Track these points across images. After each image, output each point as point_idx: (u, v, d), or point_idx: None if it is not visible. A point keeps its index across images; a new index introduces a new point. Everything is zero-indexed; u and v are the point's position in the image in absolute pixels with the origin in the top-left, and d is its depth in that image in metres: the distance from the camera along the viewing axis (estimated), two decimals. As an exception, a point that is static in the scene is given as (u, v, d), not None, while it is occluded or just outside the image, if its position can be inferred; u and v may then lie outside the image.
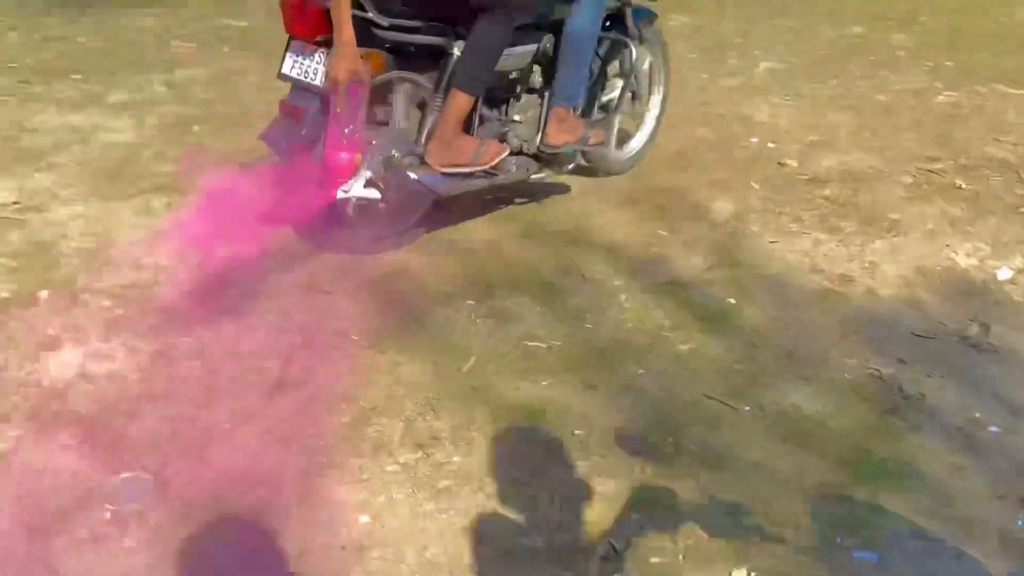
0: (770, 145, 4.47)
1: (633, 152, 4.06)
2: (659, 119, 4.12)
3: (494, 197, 3.48)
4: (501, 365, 2.52)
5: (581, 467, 2.16)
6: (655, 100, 4.07)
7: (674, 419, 2.36)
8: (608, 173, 3.99)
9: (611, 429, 2.30)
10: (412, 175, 2.89)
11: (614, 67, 3.71)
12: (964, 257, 3.46)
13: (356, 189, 2.75)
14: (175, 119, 4.03)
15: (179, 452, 2.07)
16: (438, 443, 2.19)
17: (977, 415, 2.53)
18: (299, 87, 2.79)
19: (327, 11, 2.63)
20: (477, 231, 3.34)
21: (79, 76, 4.44)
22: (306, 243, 3.06)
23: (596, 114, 3.66)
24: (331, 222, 2.89)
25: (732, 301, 3.02)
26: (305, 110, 2.74)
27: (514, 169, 3.22)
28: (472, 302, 2.83)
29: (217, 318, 2.59)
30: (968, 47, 6.78)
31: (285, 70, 2.82)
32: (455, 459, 2.15)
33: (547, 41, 3.22)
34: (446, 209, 3.23)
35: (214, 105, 4.24)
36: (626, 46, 3.55)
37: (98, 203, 3.24)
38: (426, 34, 2.88)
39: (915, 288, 3.22)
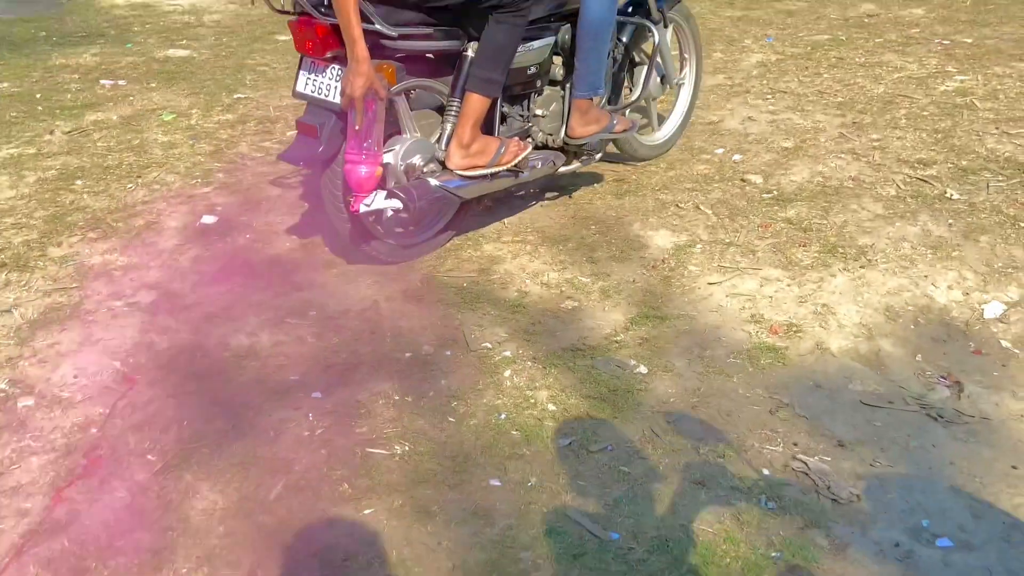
0: (736, 158, 3.92)
1: (665, 136, 3.97)
2: (692, 101, 4.03)
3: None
4: (322, 486, 2.05)
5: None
6: (686, 82, 3.99)
7: (516, 560, 1.87)
8: (641, 159, 3.88)
9: (434, 576, 1.83)
10: (433, 182, 2.83)
11: (640, 52, 3.67)
12: (945, 291, 2.88)
13: (378, 201, 2.70)
14: (60, 174, 3.65)
15: None
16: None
17: (925, 523, 1.98)
18: (314, 104, 2.73)
19: (335, 27, 2.54)
20: (356, 291, 2.88)
21: (-25, 129, 4.11)
22: (336, 255, 3.03)
23: (624, 100, 3.59)
24: (357, 235, 2.87)
25: (643, 371, 2.51)
26: (321, 127, 2.68)
27: (539, 165, 3.19)
28: (319, 394, 2.37)
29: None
30: (994, 19, 6.10)
31: (299, 88, 2.75)
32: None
33: (564, 32, 3.15)
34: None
35: (110, 155, 3.86)
36: (649, 30, 3.49)
37: (-71, 287, 2.88)
38: (437, 40, 2.80)
39: (876, 337, 2.66)
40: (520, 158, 2.99)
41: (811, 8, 6.70)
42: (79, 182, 3.59)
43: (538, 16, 3.03)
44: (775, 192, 3.57)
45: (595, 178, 3.74)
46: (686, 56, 3.99)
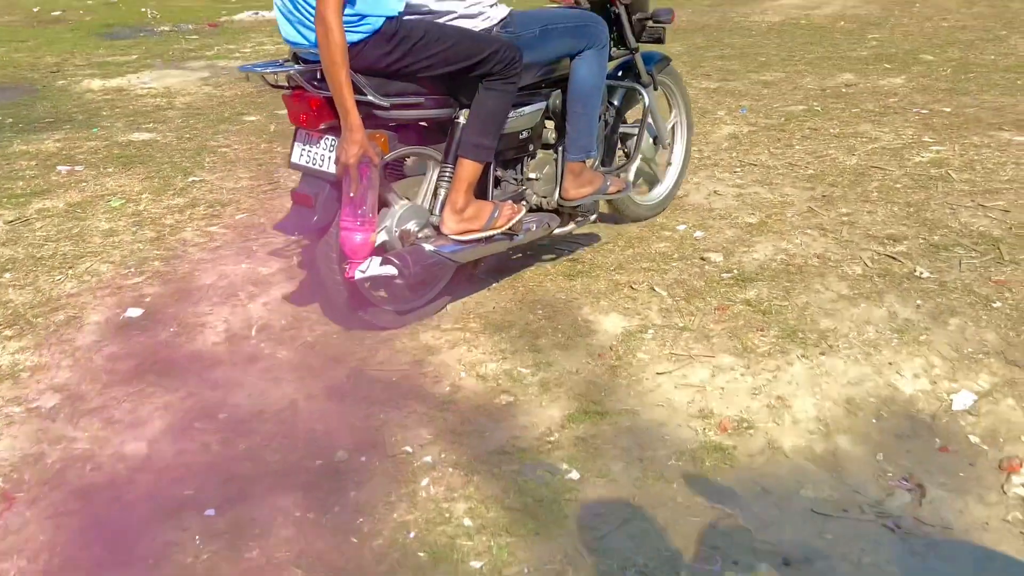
0: (697, 235, 3.75)
1: (661, 196, 4.01)
2: (685, 161, 4.09)
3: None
4: (196, 622, 1.84)
5: None
6: (678, 143, 4.04)
7: None
8: (636, 219, 3.90)
9: None
10: (428, 247, 2.86)
11: (631, 114, 3.72)
12: (911, 380, 2.68)
13: (373, 268, 2.73)
14: (-11, 267, 3.51)
15: None
16: None
17: (875, 658, 1.75)
18: (309, 174, 2.78)
19: (329, 99, 2.61)
20: (276, 390, 2.68)
21: (-87, 222, 3.98)
22: (332, 323, 3.04)
23: (617, 162, 3.67)
24: (352, 302, 2.88)
25: (574, 477, 2.29)
26: (316, 196, 2.73)
27: (534, 227, 3.22)
28: (212, 512, 2.15)
29: None
30: (974, 87, 6.01)
31: (294, 159, 2.80)
32: None
33: (555, 98, 3.21)
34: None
35: (46, 244, 3.71)
36: (639, 92, 3.55)
37: None
38: (429, 108, 2.85)
39: (833, 434, 2.45)
40: (514, 221, 3.02)
41: (788, 79, 6.62)
42: (8, 275, 3.43)
43: (528, 82, 3.06)
44: (735, 271, 3.39)
45: (548, 257, 3.57)
46: (677, 117, 4.02)
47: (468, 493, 2.22)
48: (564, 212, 3.36)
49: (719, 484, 2.26)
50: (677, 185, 4.07)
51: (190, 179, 4.57)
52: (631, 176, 3.77)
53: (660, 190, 4.02)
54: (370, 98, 2.64)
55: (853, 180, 4.30)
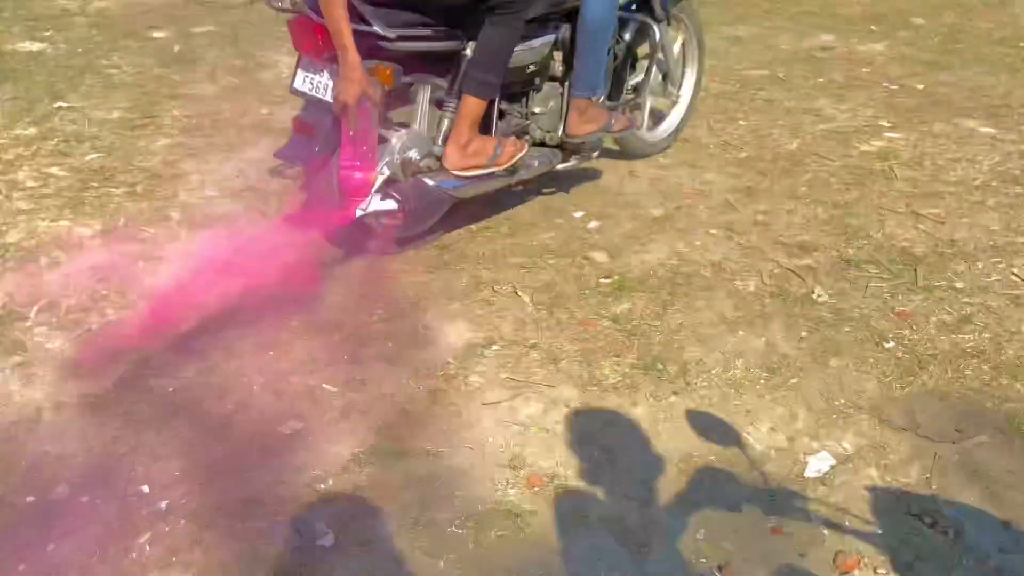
0: (591, 225, 3.35)
1: (666, 134, 3.96)
2: (693, 99, 4.03)
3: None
4: None
5: None
6: (688, 80, 3.97)
7: None
8: (642, 156, 3.87)
9: None
10: (430, 182, 2.88)
11: (642, 49, 3.63)
12: (766, 433, 2.31)
13: (374, 204, 2.74)
14: None
15: None
16: None
17: None
18: (311, 102, 2.76)
19: None
20: (24, 393, 2.28)
21: None
22: (328, 249, 2.98)
23: (626, 97, 3.58)
24: (351, 229, 2.85)
25: (327, 543, 1.94)
26: (318, 125, 2.73)
27: (536, 164, 3.21)
28: None
29: None
30: (958, 61, 5.48)
31: (297, 85, 2.78)
32: None
33: (564, 31, 3.15)
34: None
35: None
36: (652, 27, 3.47)
37: None
38: (435, 40, 2.82)
39: (654, 501, 2.09)
40: (517, 158, 3.00)
41: (762, 36, 6.08)
42: None
43: (538, 14, 2.99)
44: (616, 276, 2.99)
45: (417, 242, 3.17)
46: (689, 54, 3.94)
47: (190, 559, 1.87)
48: (567, 148, 3.31)
49: (495, 564, 1.92)
50: (683, 124, 4.02)
51: (56, 104, 4.14)
52: (638, 113, 3.67)
53: (665, 127, 3.94)
54: (376, 29, 2.60)
55: (786, 169, 3.85)
